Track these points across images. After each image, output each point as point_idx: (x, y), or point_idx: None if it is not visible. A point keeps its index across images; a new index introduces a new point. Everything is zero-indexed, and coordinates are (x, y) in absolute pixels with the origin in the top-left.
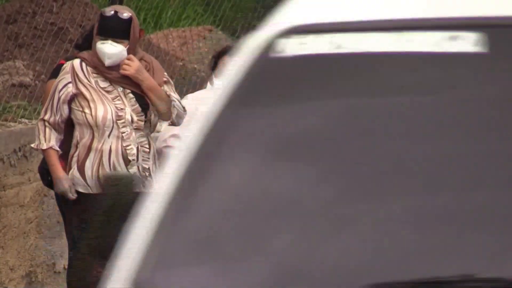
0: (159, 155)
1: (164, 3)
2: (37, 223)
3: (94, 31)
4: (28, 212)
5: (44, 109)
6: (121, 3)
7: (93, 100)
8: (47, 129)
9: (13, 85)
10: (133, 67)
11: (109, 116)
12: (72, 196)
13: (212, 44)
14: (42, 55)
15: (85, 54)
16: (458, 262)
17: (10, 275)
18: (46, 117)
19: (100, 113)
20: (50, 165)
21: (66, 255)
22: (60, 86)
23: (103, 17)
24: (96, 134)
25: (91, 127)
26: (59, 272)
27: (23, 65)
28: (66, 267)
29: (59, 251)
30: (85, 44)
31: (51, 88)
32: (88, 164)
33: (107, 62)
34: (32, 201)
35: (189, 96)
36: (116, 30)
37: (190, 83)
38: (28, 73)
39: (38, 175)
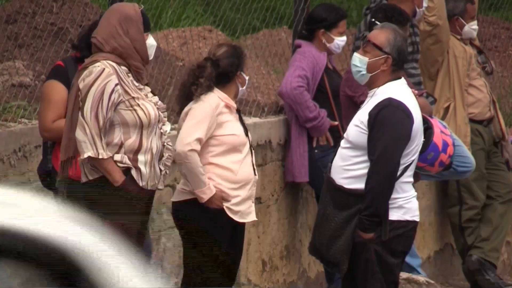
0: (182, 158)
1: (164, 3)
2: None
3: (139, 30)
4: None
5: (93, 114)
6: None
7: (139, 99)
8: (101, 136)
9: (13, 85)
10: None
11: (157, 112)
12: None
13: (212, 44)
14: (42, 55)
15: (112, 57)
16: None
17: None
18: (101, 124)
19: (151, 111)
20: (111, 173)
21: None
22: (109, 88)
23: (142, 14)
24: (144, 132)
25: (141, 125)
26: None
27: (23, 65)
28: None
29: None
30: (81, 45)
31: (93, 92)
32: (139, 164)
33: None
34: None
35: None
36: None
37: None
38: (28, 73)
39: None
